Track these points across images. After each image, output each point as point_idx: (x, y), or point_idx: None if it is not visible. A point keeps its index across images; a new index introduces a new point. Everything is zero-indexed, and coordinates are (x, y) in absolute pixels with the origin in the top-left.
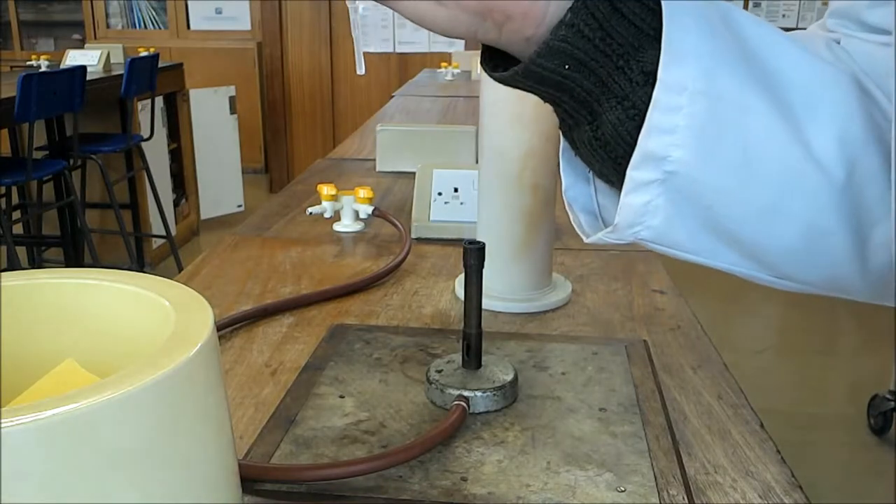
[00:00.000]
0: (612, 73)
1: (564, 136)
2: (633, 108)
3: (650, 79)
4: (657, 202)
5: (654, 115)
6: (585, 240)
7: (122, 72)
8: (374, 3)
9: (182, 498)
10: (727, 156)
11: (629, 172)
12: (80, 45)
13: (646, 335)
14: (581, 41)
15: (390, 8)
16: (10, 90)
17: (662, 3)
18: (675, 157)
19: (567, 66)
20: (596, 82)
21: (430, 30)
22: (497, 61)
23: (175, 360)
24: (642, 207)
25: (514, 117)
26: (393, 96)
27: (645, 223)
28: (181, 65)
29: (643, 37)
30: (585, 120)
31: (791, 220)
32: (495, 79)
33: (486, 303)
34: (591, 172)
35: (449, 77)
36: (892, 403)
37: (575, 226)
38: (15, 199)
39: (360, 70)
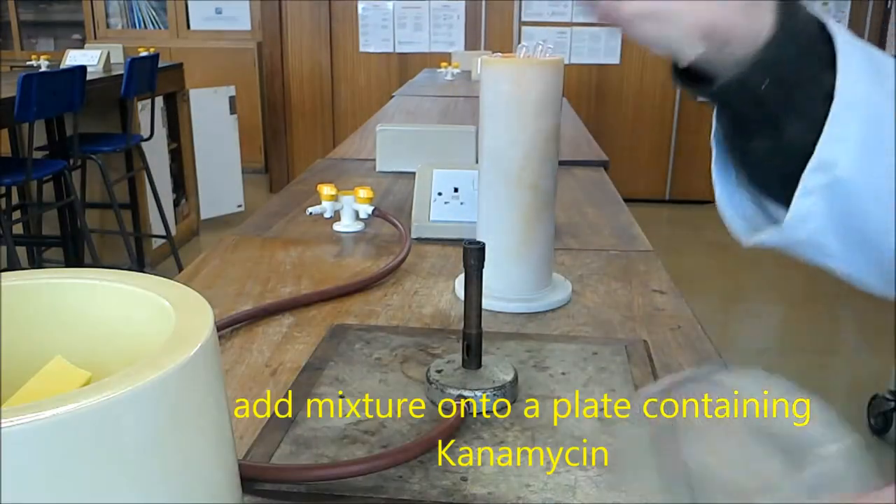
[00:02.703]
0: (799, 92)
1: (732, 146)
2: (813, 122)
3: (828, 98)
4: (821, 205)
5: (829, 129)
6: (746, 242)
7: (122, 72)
8: (373, 2)
9: (182, 498)
10: (882, 168)
11: (804, 177)
12: (80, 45)
13: (646, 335)
14: (781, 64)
15: (625, 27)
16: (10, 90)
17: (834, 35)
18: (842, 163)
19: (764, 84)
20: (786, 99)
21: (655, 48)
22: (686, 80)
23: (175, 360)
24: (808, 209)
25: (514, 117)
26: (393, 96)
27: (806, 226)
28: (181, 65)
29: (822, 63)
30: (768, 129)
31: None
32: (693, 93)
33: (486, 303)
34: (738, 181)
35: (449, 77)
36: (892, 403)
37: (731, 228)
38: (15, 199)
39: None
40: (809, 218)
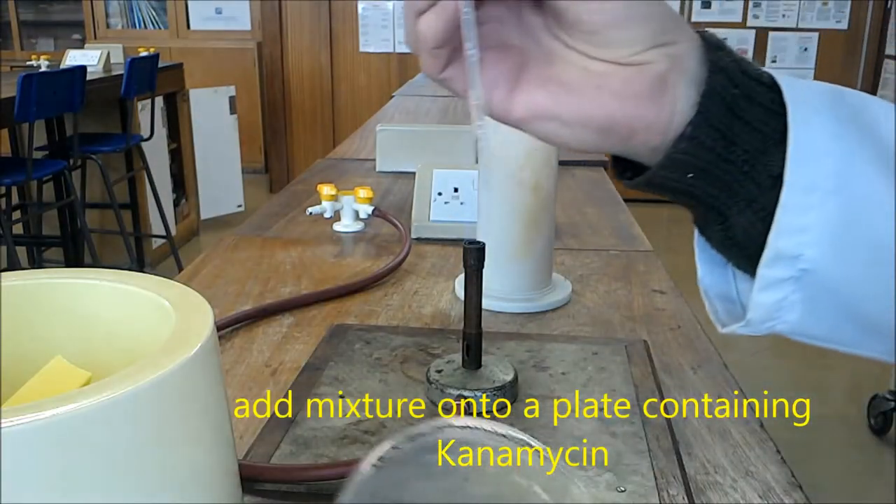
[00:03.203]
0: (738, 178)
1: (699, 231)
2: (762, 209)
3: (778, 182)
4: (792, 298)
5: (784, 217)
6: (720, 330)
7: (122, 72)
8: (373, 2)
9: (182, 498)
10: (864, 253)
11: (760, 271)
12: (80, 45)
13: (646, 335)
14: (703, 152)
15: (516, 128)
16: (10, 90)
17: (788, 106)
18: (808, 255)
19: (690, 175)
20: (722, 188)
21: (560, 147)
22: (626, 164)
23: (175, 360)
24: (777, 304)
25: None
26: (393, 96)
27: (781, 318)
28: (181, 65)
29: (768, 141)
30: (715, 221)
31: None
32: (624, 184)
33: (486, 303)
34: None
35: None
36: (892, 403)
37: (710, 314)
38: (15, 199)
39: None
40: (784, 311)
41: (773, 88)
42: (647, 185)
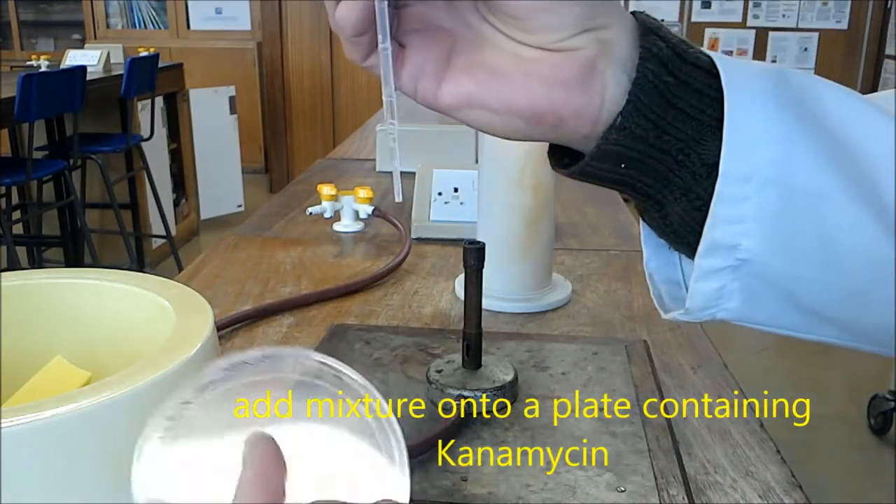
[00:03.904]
0: (673, 168)
1: (641, 217)
2: (698, 199)
3: (713, 171)
4: (731, 287)
5: (718, 208)
6: (663, 315)
7: (122, 72)
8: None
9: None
10: (804, 245)
11: (697, 261)
12: (80, 45)
13: (646, 335)
14: (634, 142)
15: (446, 115)
16: (10, 90)
17: (725, 90)
18: (745, 246)
19: (623, 165)
20: (656, 177)
21: (492, 135)
22: (563, 152)
23: (175, 360)
24: (716, 293)
25: None
26: None
27: (721, 306)
28: (181, 65)
29: (704, 128)
30: (653, 209)
31: (884, 304)
32: (560, 173)
33: (486, 303)
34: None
35: None
36: (892, 403)
37: (654, 299)
38: (15, 199)
39: (398, 198)
40: (723, 299)
41: (712, 72)
42: (580, 174)
